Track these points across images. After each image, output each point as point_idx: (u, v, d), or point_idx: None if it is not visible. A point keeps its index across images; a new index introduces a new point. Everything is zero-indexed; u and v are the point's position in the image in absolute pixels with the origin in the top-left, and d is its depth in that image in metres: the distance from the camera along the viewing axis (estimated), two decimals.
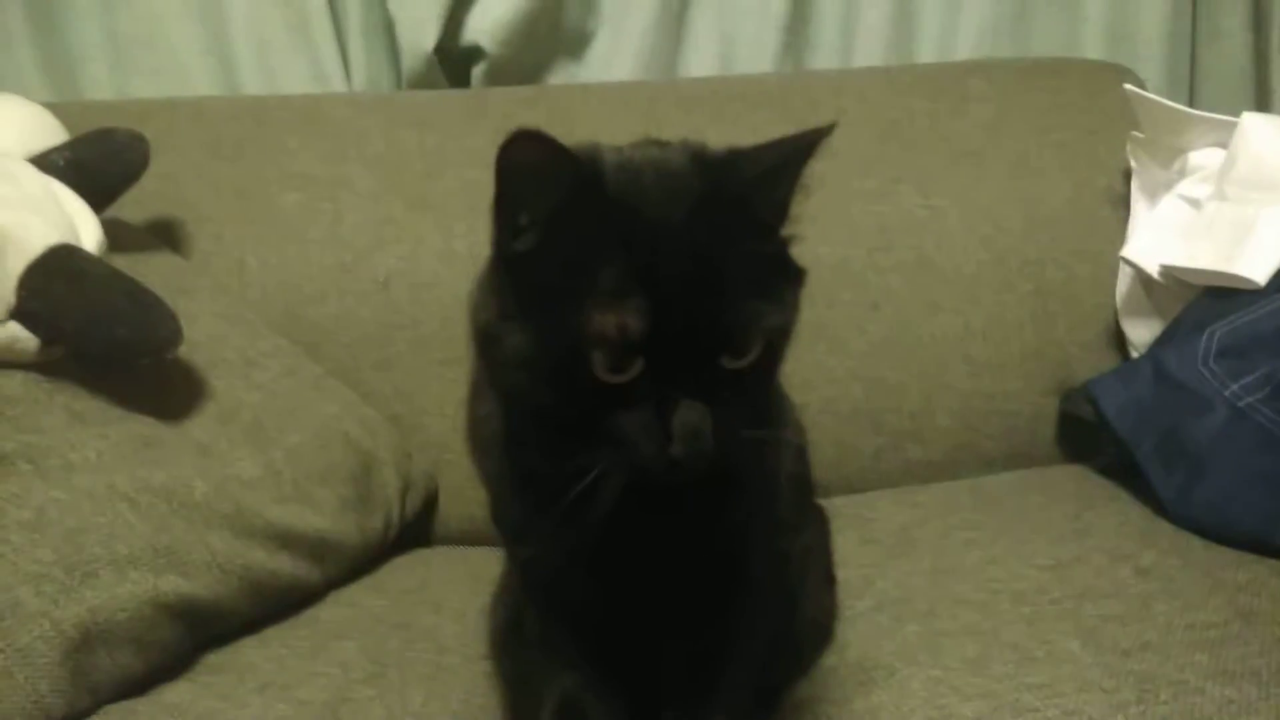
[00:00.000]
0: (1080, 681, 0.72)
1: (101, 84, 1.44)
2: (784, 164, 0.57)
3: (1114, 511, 1.03)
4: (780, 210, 0.59)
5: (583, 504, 0.56)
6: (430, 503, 1.18)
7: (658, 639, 0.69)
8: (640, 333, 0.52)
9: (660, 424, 0.53)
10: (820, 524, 0.88)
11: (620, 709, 0.70)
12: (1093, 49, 1.52)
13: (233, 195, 1.21)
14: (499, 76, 1.44)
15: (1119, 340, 1.24)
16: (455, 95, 1.41)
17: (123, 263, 0.96)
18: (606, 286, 0.53)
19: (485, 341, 0.57)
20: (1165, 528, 0.98)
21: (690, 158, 0.59)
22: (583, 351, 0.53)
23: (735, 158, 0.58)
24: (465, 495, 1.14)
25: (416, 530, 1.16)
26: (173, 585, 0.82)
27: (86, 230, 0.96)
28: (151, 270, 1.00)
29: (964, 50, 1.51)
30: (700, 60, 1.50)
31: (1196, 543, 0.94)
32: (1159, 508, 1.01)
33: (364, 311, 1.18)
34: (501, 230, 0.57)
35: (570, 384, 0.54)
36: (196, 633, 0.86)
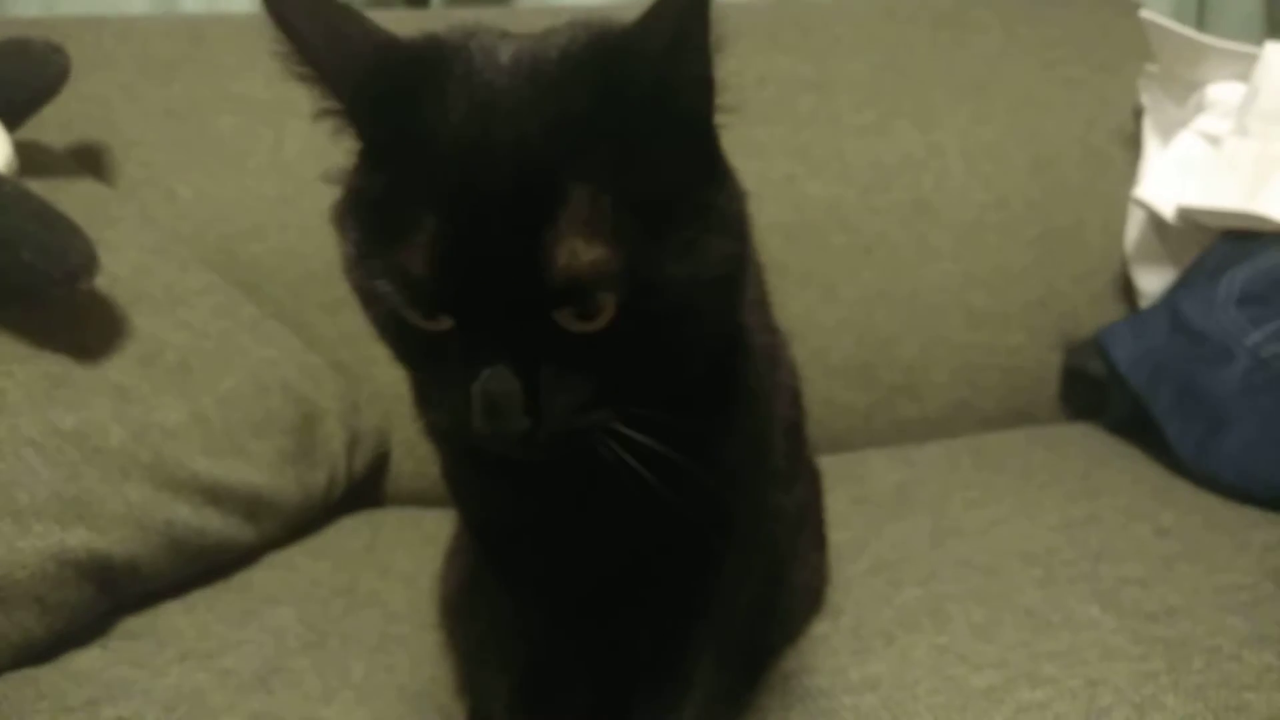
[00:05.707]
0: (1103, 649, 0.67)
1: (28, 2, 1.33)
2: (683, 21, 0.41)
3: (1127, 469, 0.97)
4: (703, 89, 0.44)
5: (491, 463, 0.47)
6: (381, 460, 1.09)
7: (626, 604, 0.61)
8: (425, 276, 0.41)
9: (465, 391, 0.43)
10: (812, 479, 0.80)
11: (587, 683, 0.63)
12: None
13: (163, 118, 1.10)
14: None
15: (1128, 291, 1.17)
16: (413, 15, 1.31)
17: (39, 188, 0.86)
18: (402, 213, 0.42)
19: (346, 275, 0.47)
20: (1183, 486, 0.92)
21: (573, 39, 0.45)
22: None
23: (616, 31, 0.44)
24: (419, 452, 1.05)
25: (366, 489, 1.07)
26: (82, 540, 0.75)
27: None
28: (71, 197, 0.91)
29: None
30: None
31: (1217, 501, 0.89)
32: (1174, 466, 0.96)
33: (308, 248, 1.07)
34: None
35: (403, 333, 0.45)
36: (110, 594, 0.78)
